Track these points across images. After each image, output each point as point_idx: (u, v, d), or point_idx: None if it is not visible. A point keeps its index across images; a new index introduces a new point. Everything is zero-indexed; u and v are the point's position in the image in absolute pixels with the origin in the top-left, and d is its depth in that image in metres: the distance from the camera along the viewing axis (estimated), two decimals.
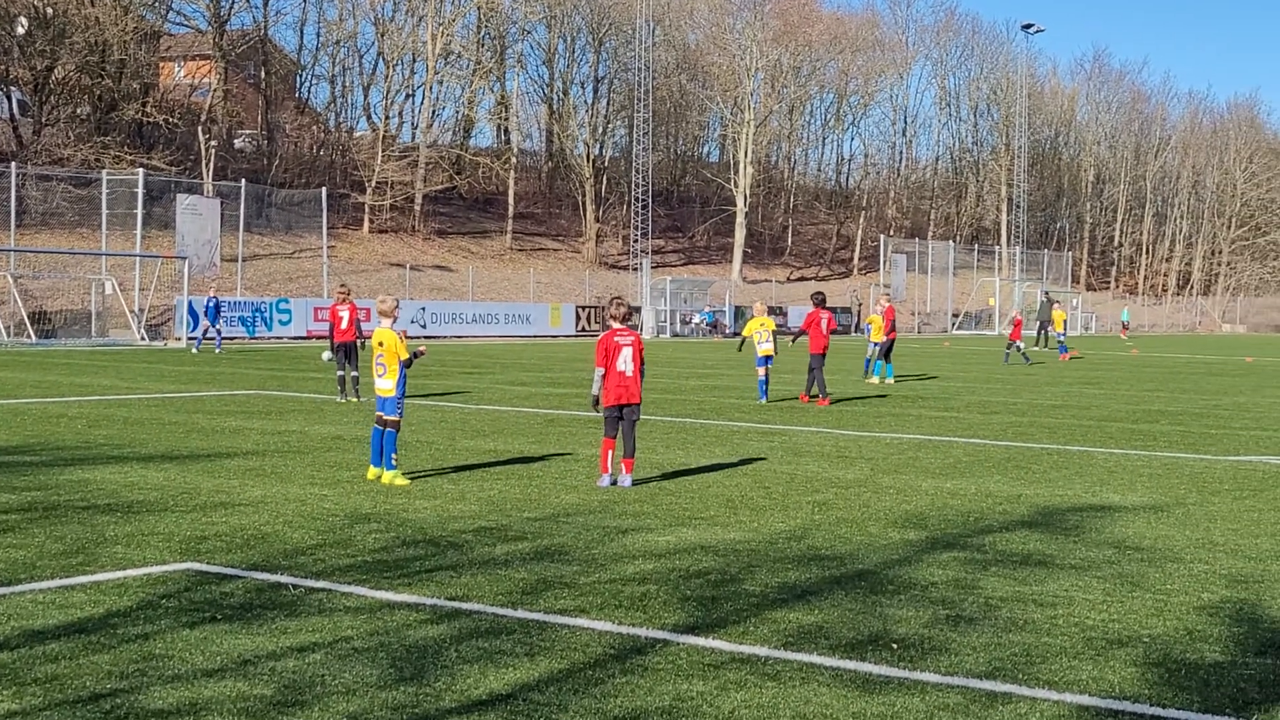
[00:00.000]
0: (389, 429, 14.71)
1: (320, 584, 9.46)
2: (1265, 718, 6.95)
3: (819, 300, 27.38)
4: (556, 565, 10.21)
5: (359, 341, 24.65)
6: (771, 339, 26.50)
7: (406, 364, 14.89)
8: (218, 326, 45.14)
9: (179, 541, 10.86)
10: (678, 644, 8.08)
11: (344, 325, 24.88)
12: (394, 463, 14.65)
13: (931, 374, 38.42)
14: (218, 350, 43.92)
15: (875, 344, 33.68)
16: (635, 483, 14.52)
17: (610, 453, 14.63)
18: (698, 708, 6.89)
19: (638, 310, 73.41)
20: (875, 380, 32.95)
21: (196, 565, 10.01)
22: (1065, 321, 51.10)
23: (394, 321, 15.10)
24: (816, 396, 26.33)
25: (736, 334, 77.63)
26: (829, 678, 7.46)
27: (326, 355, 26.30)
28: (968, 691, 7.26)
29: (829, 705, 6.97)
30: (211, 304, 45.08)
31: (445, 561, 10.28)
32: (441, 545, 10.92)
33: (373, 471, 14.73)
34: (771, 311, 74.11)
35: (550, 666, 7.55)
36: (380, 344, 14.86)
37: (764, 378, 26.44)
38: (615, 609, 8.88)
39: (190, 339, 47.58)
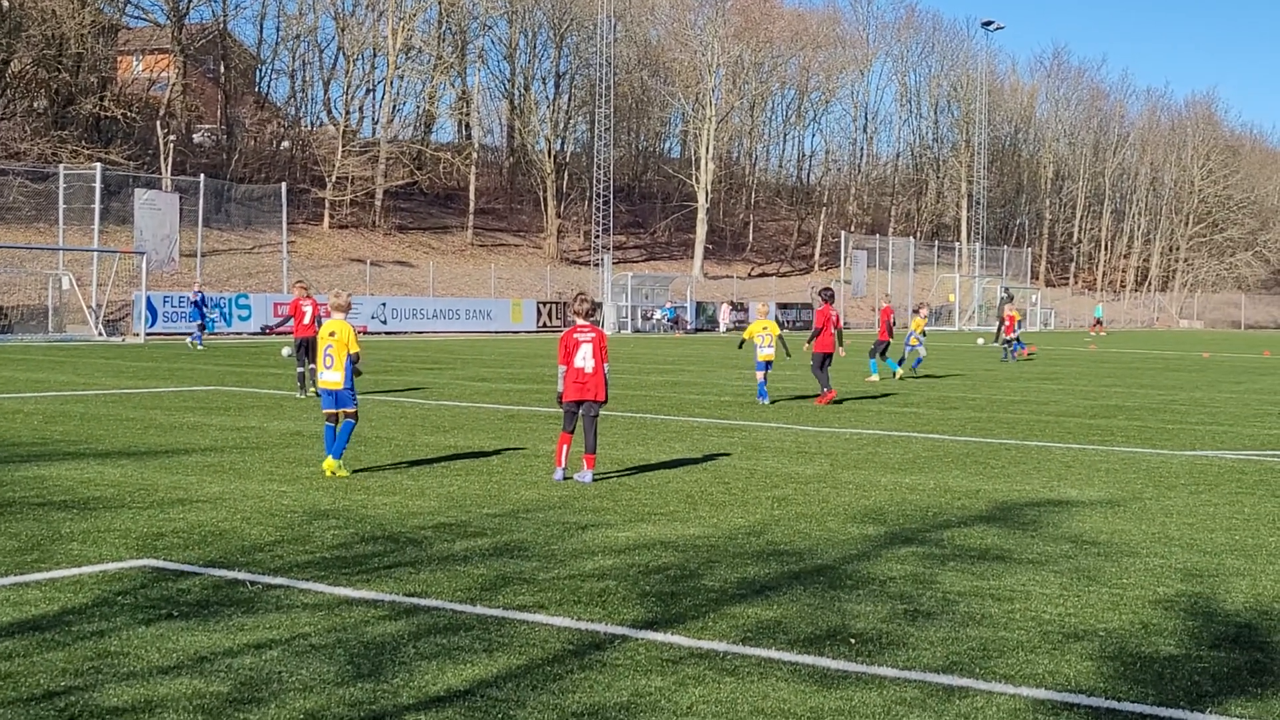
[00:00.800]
0: (346, 419, 14.85)
1: (278, 580, 9.42)
2: (1219, 710, 7.00)
3: (828, 297, 26.68)
4: (516, 561, 10.20)
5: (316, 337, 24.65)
6: (775, 345, 25.57)
7: (354, 359, 15.04)
8: (199, 322, 45.31)
9: (135, 538, 10.79)
10: (636, 639, 8.08)
11: (306, 320, 24.78)
12: (342, 454, 14.73)
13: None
14: (200, 346, 43.70)
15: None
16: (596, 478, 14.51)
17: (565, 447, 14.63)
18: (656, 703, 6.89)
19: (600, 306, 73.38)
20: (875, 378, 32.36)
21: (153, 562, 9.95)
22: (1019, 322, 50.61)
23: (347, 316, 15.36)
24: (818, 394, 25.71)
25: (699, 330, 77.83)
26: (787, 673, 7.47)
27: (286, 351, 26.25)
28: (925, 686, 7.29)
29: (787, 700, 6.99)
30: (198, 299, 45.36)
31: (404, 558, 10.25)
32: (400, 541, 10.89)
33: (329, 464, 14.77)
34: (746, 310, 74.20)
35: (509, 662, 7.54)
36: (332, 334, 15.09)
37: (764, 380, 25.52)
38: (574, 605, 8.88)
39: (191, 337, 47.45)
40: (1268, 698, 7.23)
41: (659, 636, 8.15)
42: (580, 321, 14.80)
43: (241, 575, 9.55)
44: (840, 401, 25.87)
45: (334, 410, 14.92)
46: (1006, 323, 47.67)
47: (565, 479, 14.50)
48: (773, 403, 25.20)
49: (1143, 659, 7.90)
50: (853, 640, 8.14)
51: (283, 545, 10.65)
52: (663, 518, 12.30)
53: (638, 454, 17.09)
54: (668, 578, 9.76)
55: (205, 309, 47.01)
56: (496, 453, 16.89)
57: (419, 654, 7.67)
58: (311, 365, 24.39)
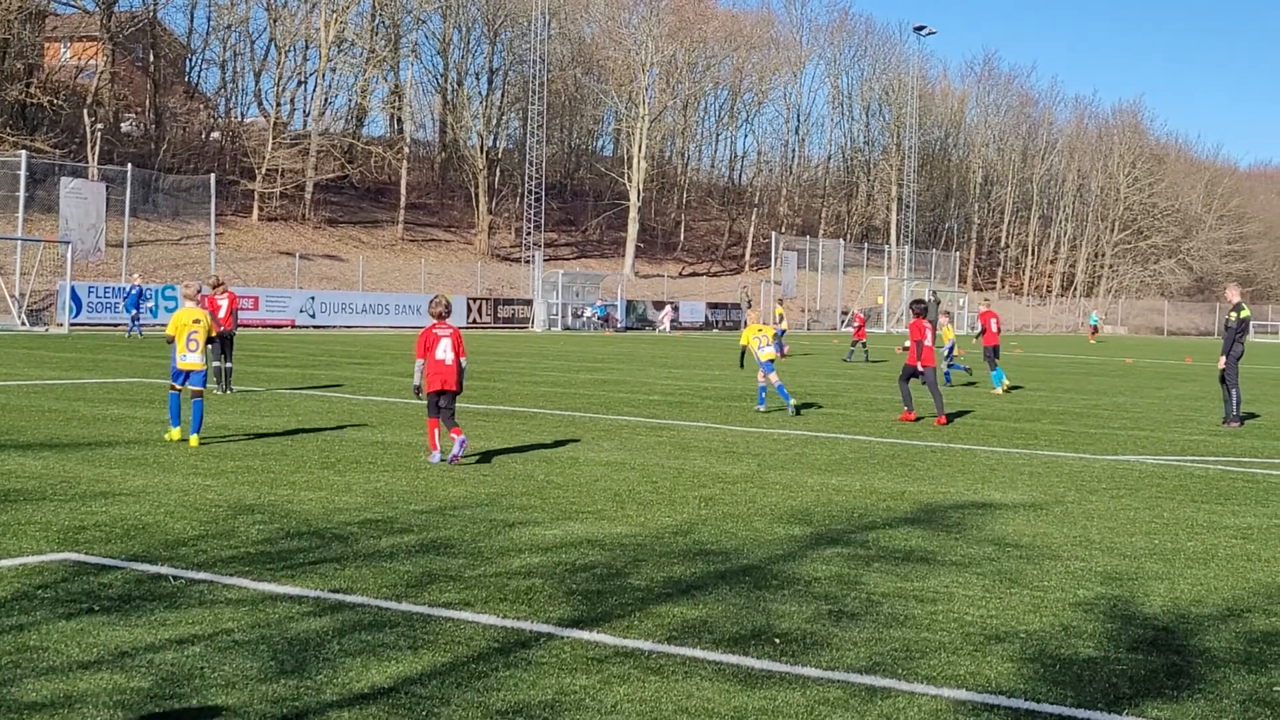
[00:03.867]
0: (196, 398, 16.74)
1: (201, 575, 9.35)
2: (1136, 713, 7.10)
3: (920, 310, 23.95)
4: (442, 558, 10.18)
5: (234, 331, 24.56)
6: (773, 343, 24.89)
7: (210, 341, 17.28)
8: (134, 314, 45.08)
9: (57, 531, 10.67)
10: (562, 638, 8.08)
11: (221, 314, 24.39)
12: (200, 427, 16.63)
13: (819, 371, 38.72)
14: (139, 335, 43.45)
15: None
16: (464, 443, 15.78)
17: (436, 431, 15.78)
18: (580, 701, 6.90)
19: (529, 303, 73.31)
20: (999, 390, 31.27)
21: (74, 555, 9.85)
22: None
23: (197, 303, 17.43)
24: (936, 414, 23.51)
25: (629, 328, 77.86)
26: (711, 672, 7.50)
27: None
28: (848, 686, 7.34)
29: (711, 699, 7.02)
30: (134, 291, 45.01)
31: (329, 554, 10.20)
32: (326, 537, 10.84)
33: (175, 433, 16.69)
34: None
35: (433, 660, 7.53)
36: (196, 321, 16.99)
37: (764, 384, 24.26)
38: (500, 602, 8.87)
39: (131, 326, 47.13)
40: (1184, 700, 7.34)
41: (585, 635, 8.16)
42: (436, 320, 16.19)
43: (164, 570, 9.47)
44: (920, 419, 23.77)
45: (194, 389, 16.85)
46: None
47: (442, 460, 15.59)
48: (799, 409, 24.11)
49: (1062, 661, 8.00)
50: (777, 640, 8.18)
51: (206, 540, 10.57)
52: (590, 516, 12.31)
53: (565, 452, 17.09)
54: (594, 576, 9.77)
55: (142, 300, 46.91)
56: (424, 449, 16.83)
57: (343, 651, 7.64)
58: (229, 364, 24.21)
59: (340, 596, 8.88)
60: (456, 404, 16.18)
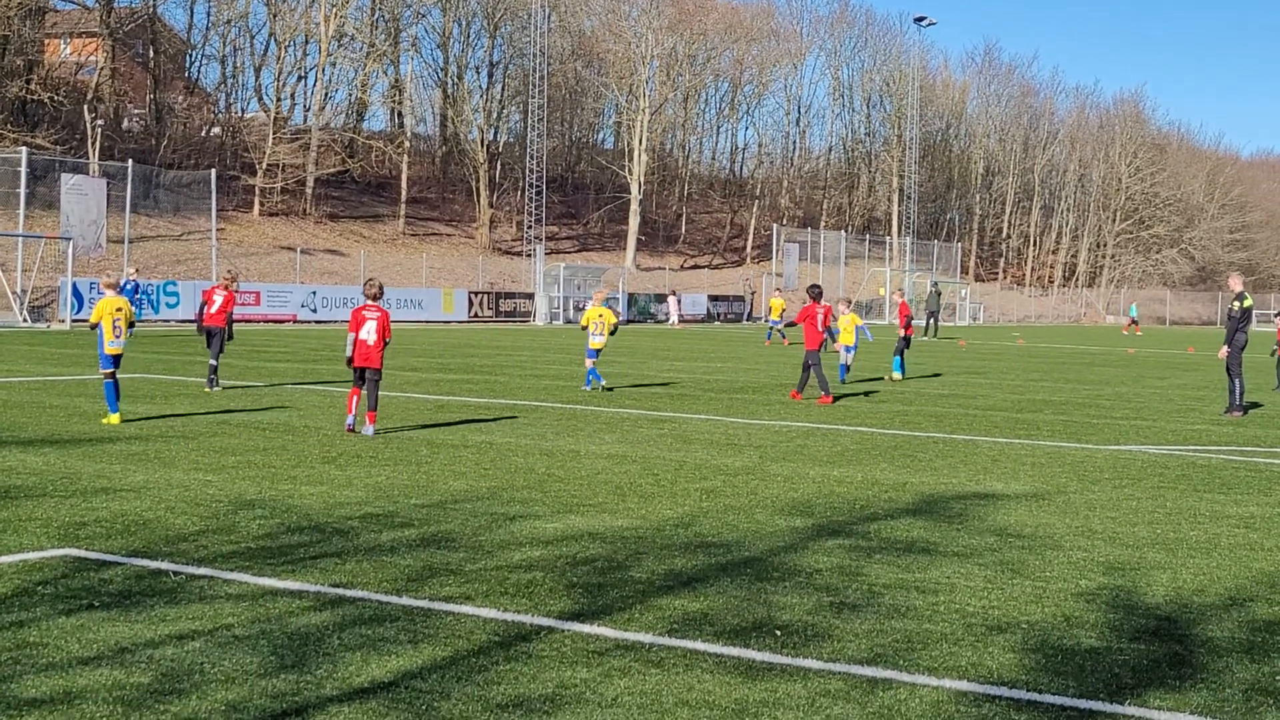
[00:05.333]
0: (107, 380, 18.05)
1: (202, 571, 9.34)
2: (1138, 702, 7.08)
3: (816, 294, 26.22)
4: (443, 552, 10.16)
5: (228, 329, 23.82)
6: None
7: (130, 325, 18.70)
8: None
9: (57, 527, 10.67)
10: (563, 631, 8.07)
11: (213, 310, 23.74)
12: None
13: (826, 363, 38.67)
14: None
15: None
16: (376, 432, 17.44)
17: (355, 399, 17.69)
18: (581, 694, 6.89)
19: (531, 296, 73.31)
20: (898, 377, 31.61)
21: (75, 551, 9.84)
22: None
23: (116, 291, 18.83)
24: (806, 392, 25.21)
25: (630, 321, 77.79)
26: (713, 664, 7.49)
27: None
28: (849, 678, 7.33)
29: (712, 692, 7.00)
30: (130, 286, 44.71)
31: (330, 548, 10.19)
32: (327, 532, 10.83)
33: (114, 418, 17.86)
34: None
35: (434, 654, 7.52)
36: (119, 309, 18.34)
37: (592, 366, 25.58)
38: (501, 596, 8.86)
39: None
40: (1186, 690, 7.32)
41: (585, 628, 8.15)
42: (368, 302, 17.87)
43: (165, 565, 9.46)
44: (839, 399, 25.12)
45: (116, 371, 18.13)
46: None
47: (352, 430, 17.49)
48: (608, 389, 25.59)
49: (1064, 651, 7.98)
50: (778, 632, 8.17)
51: (207, 535, 10.56)
52: (591, 509, 12.30)
53: (567, 445, 17.08)
54: (595, 569, 9.76)
55: (136, 294, 46.56)
56: (425, 443, 16.83)
57: (343, 645, 7.63)
58: (214, 360, 23.55)
59: (341, 591, 8.87)
60: (379, 390, 17.91)
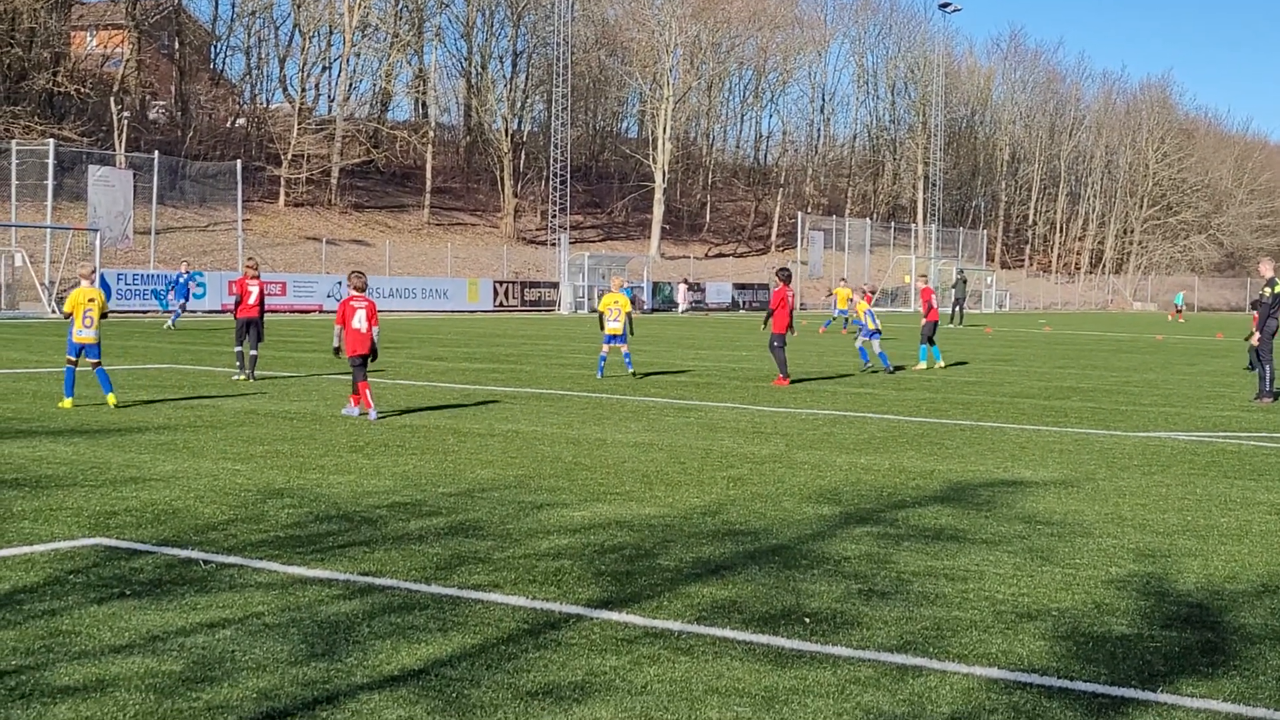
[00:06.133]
0: (99, 367, 18.80)
1: (232, 559, 9.37)
2: (1171, 690, 7.05)
3: (785, 277, 26.65)
4: (471, 541, 10.18)
5: (262, 318, 23.85)
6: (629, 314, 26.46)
7: (103, 315, 19.01)
8: (182, 302, 44.64)
9: (88, 517, 10.71)
10: (592, 619, 8.07)
11: (251, 301, 23.86)
12: (112, 387, 18.81)
13: (846, 350, 38.61)
14: (172, 325, 42.91)
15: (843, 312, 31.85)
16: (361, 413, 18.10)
17: (368, 391, 18.17)
18: (610, 682, 6.89)
19: (555, 285, 73.29)
20: (923, 366, 31.31)
21: (106, 541, 9.88)
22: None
23: (91, 283, 19.18)
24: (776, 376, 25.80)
25: (655, 310, 77.81)
26: (742, 652, 7.48)
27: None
28: (879, 665, 7.31)
29: (742, 679, 7.00)
30: (185, 279, 44.72)
31: (359, 537, 10.21)
32: (355, 521, 10.85)
33: (68, 403, 18.44)
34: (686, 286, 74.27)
35: (463, 642, 7.52)
36: (91, 300, 18.78)
37: (605, 353, 26.19)
38: (529, 584, 8.87)
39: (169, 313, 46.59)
40: (1219, 677, 7.29)
41: (614, 616, 8.15)
42: (354, 293, 18.76)
43: (195, 554, 9.49)
44: (798, 381, 25.82)
45: (92, 360, 18.72)
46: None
47: (379, 417, 17.94)
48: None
49: (1095, 639, 7.95)
50: (807, 620, 8.16)
51: (236, 524, 10.60)
52: (618, 497, 12.30)
53: (593, 433, 17.08)
54: (623, 557, 9.76)
55: (191, 286, 46.46)
56: (452, 432, 16.85)
57: (373, 633, 7.64)
58: (254, 351, 23.66)
59: (370, 579, 8.89)
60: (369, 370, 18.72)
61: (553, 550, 9.90)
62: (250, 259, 26.17)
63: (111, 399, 18.62)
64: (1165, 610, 8.67)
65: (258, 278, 24.19)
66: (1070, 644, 7.82)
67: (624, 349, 25.95)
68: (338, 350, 18.67)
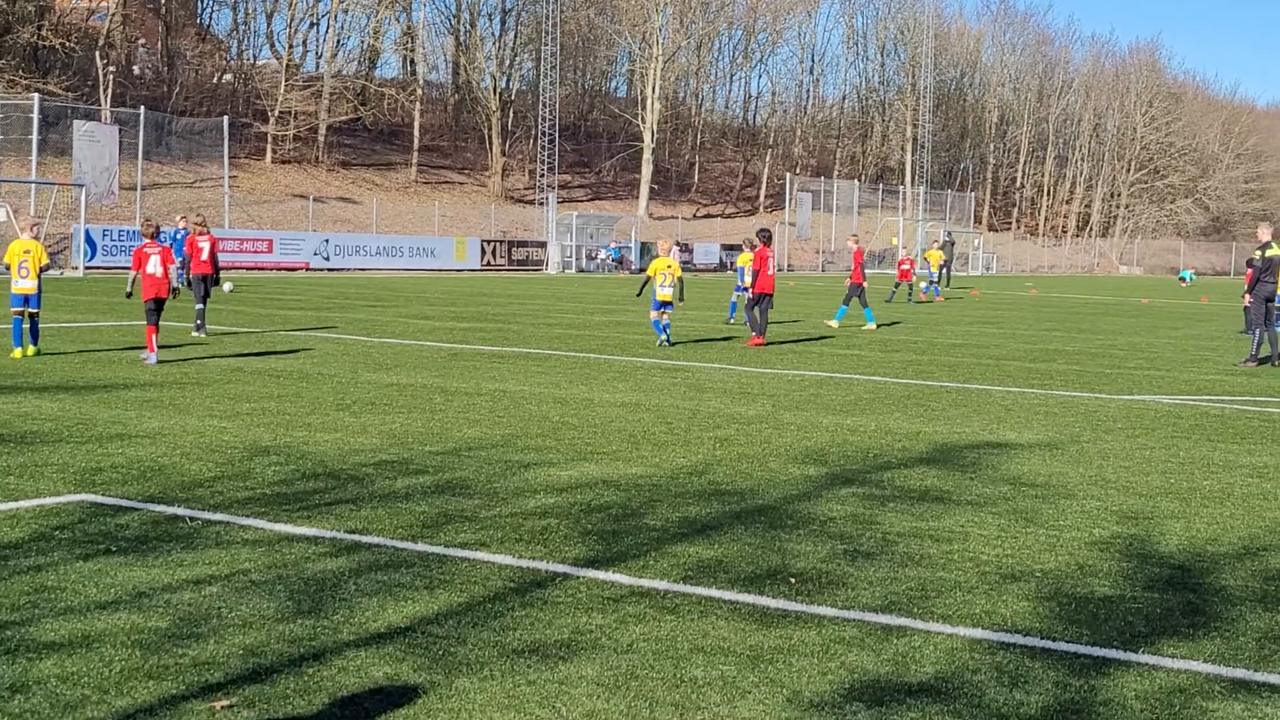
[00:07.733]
0: (34, 316, 19.42)
1: (218, 516, 9.37)
2: (1153, 651, 7.09)
3: (765, 238, 26.84)
4: (458, 499, 10.19)
5: (216, 275, 24.88)
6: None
7: (44, 269, 19.78)
8: (181, 259, 44.23)
9: (73, 473, 10.71)
10: (578, 577, 8.10)
11: (203, 257, 24.66)
12: (38, 341, 19.59)
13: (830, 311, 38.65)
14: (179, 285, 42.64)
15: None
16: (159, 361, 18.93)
17: (154, 336, 18.92)
18: (596, 640, 6.91)
19: (543, 245, 73.07)
20: (872, 326, 31.62)
21: (91, 497, 9.88)
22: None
23: (33, 235, 20.12)
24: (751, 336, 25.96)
25: (641, 270, 77.72)
26: (727, 611, 7.51)
27: (229, 286, 26.08)
28: (864, 625, 7.35)
29: (727, 638, 7.03)
30: (181, 236, 44.42)
31: (345, 495, 10.22)
32: (342, 478, 10.86)
33: (17, 352, 19.03)
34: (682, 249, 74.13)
35: (450, 599, 7.55)
36: (27, 251, 19.66)
37: (657, 319, 25.42)
38: (516, 543, 8.89)
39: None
40: (1200, 638, 7.33)
41: (600, 575, 8.17)
42: (149, 240, 19.85)
43: (181, 511, 9.50)
44: (769, 344, 25.87)
45: (24, 309, 19.28)
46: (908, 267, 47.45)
47: (157, 361, 18.73)
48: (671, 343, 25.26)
49: (1078, 600, 7.99)
50: (793, 580, 8.19)
51: (223, 481, 10.60)
52: (605, 457, 12.32)
53: (580, 393, 17.09)
54: (609, 516, 9.78)
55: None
56: (439, 390, 16.85)
57: (360, 591, 7.66)
58: (199, 304, 24.10)
59: (356, 537, 8.90)
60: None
61: (539, 509, 9.92)
62: (198, 216, 26.56)
63: (18, 353, 19.13)
64: (1147, 572, 8.72)
65: (207, 233, 25.06)
66: (1053, 605, 7.86)
67: (666, 318, 25.03)
68: (129, 295, 20.29)
